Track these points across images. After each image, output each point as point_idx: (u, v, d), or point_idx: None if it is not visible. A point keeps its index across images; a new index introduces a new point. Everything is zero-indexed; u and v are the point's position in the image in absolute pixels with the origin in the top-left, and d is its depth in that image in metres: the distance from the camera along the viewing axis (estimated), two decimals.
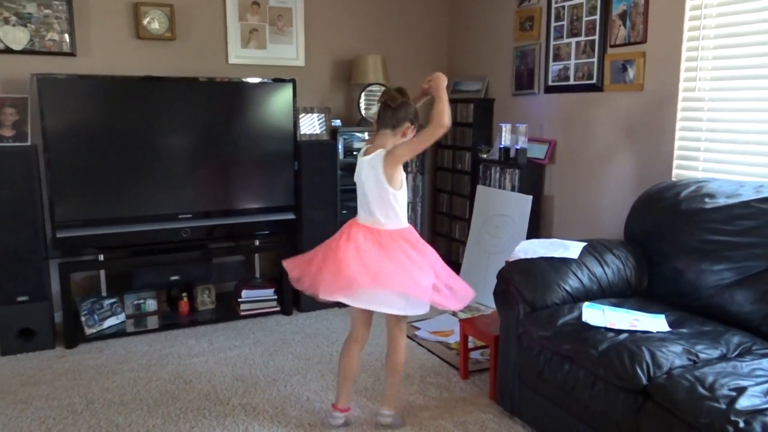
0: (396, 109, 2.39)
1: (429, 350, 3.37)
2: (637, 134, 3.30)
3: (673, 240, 2.68)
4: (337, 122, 4.24)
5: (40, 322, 3.34)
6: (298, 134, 3.97)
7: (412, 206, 4.36)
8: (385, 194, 2.37)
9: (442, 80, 2.39)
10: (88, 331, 3.53)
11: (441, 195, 4.73)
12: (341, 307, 4.06)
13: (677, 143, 3.10)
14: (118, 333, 3.58)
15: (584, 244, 2.80)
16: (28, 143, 3.29)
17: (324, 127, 4.10)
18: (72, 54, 3.59)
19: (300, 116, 4.01)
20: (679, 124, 3.08)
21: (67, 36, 3.55)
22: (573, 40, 3.63)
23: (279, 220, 3.92)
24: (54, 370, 3.12)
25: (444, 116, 2.33)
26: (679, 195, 2.74)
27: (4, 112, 3.28)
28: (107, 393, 2.88)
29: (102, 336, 3.53)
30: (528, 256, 2.71)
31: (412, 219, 4.35)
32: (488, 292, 3.56)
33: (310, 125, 4.07)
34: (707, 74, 2.94)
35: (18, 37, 3.46)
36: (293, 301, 4.01)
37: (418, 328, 3.66)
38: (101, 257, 3.55)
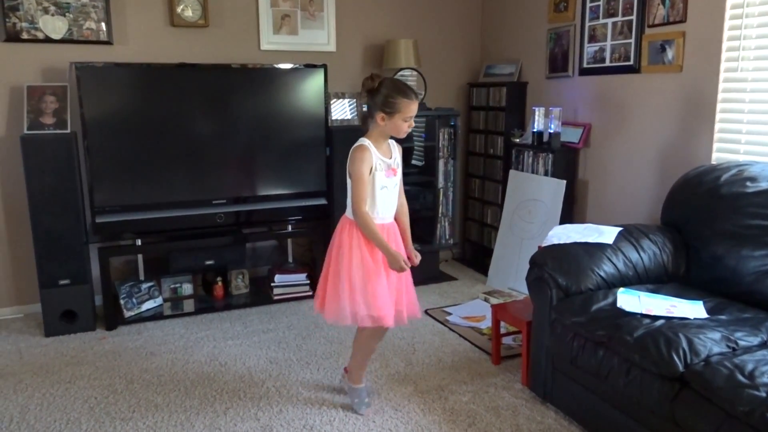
0: (367, 97, 2.41)
1: (461, 335, 3.36)
2: (675, 117, 3.22)
3: (712, 225, 2.61)
4: None
5: (81, 304, 3.44)
6: (330, 120, 3.98)
7: (443, 191, 4.33)
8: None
9: (398, 264, 2.37)
10: (127, 313, 3.62)
11: (473, 180, 4.70)
12: None
13: (717, 126, 3.01)
14: (156, 316, 3.67)
15: (620, 229, 2.75)
16: (68, 130, 3.38)
17: (355, 113, 4.10)
18: (109, 42, 3.66)
19: (331, 102, 4.02)
20: (719, 106, 2.99)
21: (103, 25, 3.62)
22: (609, 21, 3.54)
23: (311, 206, 3.95)
24: (95, 351, 3.22)
25: (360, 222, 2.37)
26: (719, 179, 2.66)
27: (44, 101, 3.36)
28: (146, 374, 2.96)
29: (140, 319, 3.62)
30: (561, 242, 2.67)
31: (443, 204, 4.34)
32: (521, 278, 3.53)
33: (342, 111, 4.07)
34: (750, 54, 2.84)
35: (57, 26, 3.54)
36: None
37: (450, 314, 3.66)
38: (139, 242, 3.63)
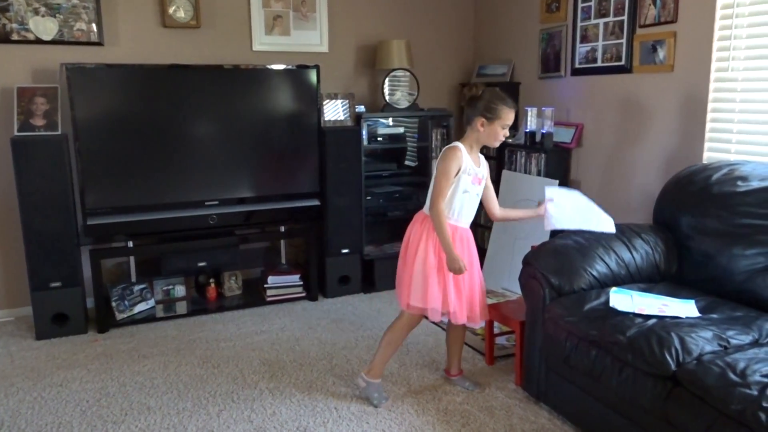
0: (467, 106, 2.58)
1: None
2: (666, 116, 3.23)
3: (703, 224, 2.62)
4: (361, 108, 4.22)
5: (72, 307, 3.42)
6: (323, 121, 3.97)
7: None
8: None
9: (456, 266, 2.49)
10: (119, 316, 3.60)
11: None
12: (366, 293, 4.08)
13: (709, 125, 3.02)
14: (148, 318, 3.65)
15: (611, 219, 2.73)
16: (59, 132, 3.36)
17: (348, 114, 4.09)
18: (100, 43, 3.64)
19: (324, 102, 4.01)
20: (710, 106, 3.00)
21: (94, 26, 3.60)
22: (601, 21, 3.55)
23: (304, 207, 3.94)
24: (87, 354, 3.20)
25: (434, 217, 2.50)
26: (711, 178, 2.67)
27: (35, 102, 3.34)
28: (138, 376, 2.94)
29: (132, 321, 3.61)
30: (560, 225, 2.64)
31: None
32: (514, 278, 3.54)
33: (334, 111, 4.07)
34: (741, 54, 2.86)
35: (47, 27, 3.52)
36: (319, 287, 4.04)
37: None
38: (131, 244, 3.62)
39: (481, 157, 2.65)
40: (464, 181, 2.52)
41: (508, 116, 2.51)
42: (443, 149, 2.55)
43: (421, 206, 2.67)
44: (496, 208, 2.72)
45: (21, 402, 2.71)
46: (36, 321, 3.37)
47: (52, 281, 3.35)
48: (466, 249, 2.60)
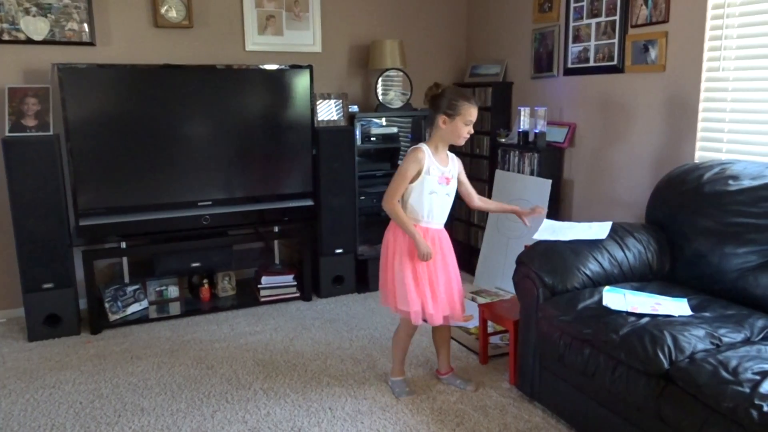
0: (429, 104, 2.56)
1: None
2: (658, 116, 3.25)
3: (695, 223, 2.64)
4: (355, 108, 4.23)
5: (65, 308, 3.40)
6: (316, 121, 3.97)
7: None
8: None
9: (425, 254, 2.53)
10: (112, 317, 3.59)
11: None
12: (360, 293, 4.08)
13: (700, 125, 3.04)
14: (141, 319, 3.64)
15: (611, 222, 2.77)
16: (51, 133, 3.34)
17: (341, 113, 4.09)
18: (91, 43, 3.62)
19: (317, 102, 4.01)
20: (702, 105, 3.02)
21: (86, 26, 3.58)
22: (593, 21, 3.57)
23: (298, 207, 3.93)
24: (80, 356, 3.18)
25: (389, 212, 2.55)
26: (702, 177, 2.69)
27: (26, 102, 3.32)
28: (132, 377, 2.93)
29: (125, 322, 3.59)
30: (553, 238, 2.67)
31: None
32: (507, 277, 3.55)
33: (328, 111, 4.06)
34: (731, 53, 2.88)
35: (39, 27, 3.50)
36: (313, 287, 4.04)
37: None
38: (124, 245, 3.60)
39: (451, 155, 2.65)
40: (429, 182, 2.53)
41: (470, 112, 2.49)
42: (409, 149, 2.57)
43: None
44: (474, 201, 2.77)
45: (13, 404, 2.69)
46: (28, 322, 3.35)
47: (45, 282, 3.34)
48: (439, 249, 2.62)
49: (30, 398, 2.74)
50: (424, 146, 2.54)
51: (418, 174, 2.52)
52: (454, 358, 3.09)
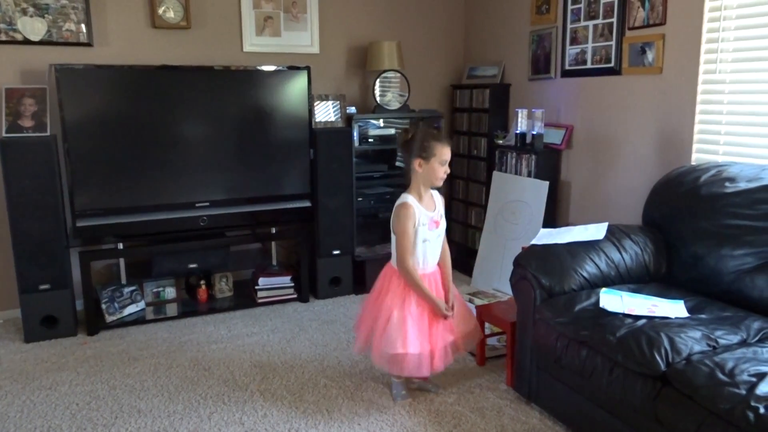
0: (402, 150, 2.58)
1: None
2: (655, 118, 3.26)
3: (692, 225, 2.65)
4: (352, 109, 4.23)
5: (62, 309, 3.39)
6: (314, 122, 3.97)
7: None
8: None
9: (441, 313, 2.56)
10: (109, 318, 3.58)
11: (456, 181, 4.71)
12: (357, 294, 4.08)
13: (697, 127, 3.05)
14: (138, 320, 3.63)
15: (606, 224, 2.78)
16: (48, 133, 3.33)
17: (339, 115, 4.09)
18: (89, 44, 3.62)
19: (315, 104, 4.01)
20: (699, 108, 3.03)
21: (83, 26, 3.58)
22: (590, 23, 3.57)
23: (295, 208, 3.93)
24: (76, 357, 3.18)
25: (405, 275, 2.54)
26: (699, 179, 2.70)
27: (23, 103, 3.32)
28: (129, 379, 2.92)
29: (122, 323, 3.59)
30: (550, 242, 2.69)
31: None
32: (505, 279, 3.55)
33: (325, 113, 4.07)
34: (728, 56, 2.89)
35: (36, 27, 3.49)
36: (310, 288, 4.04)
37: None
38: (121, 246, 3.59)
39: (435, 194, 2.66)
40: (421, 233, 2.54)
41: (443, 152, 2.50)
42: (395, 207, 2.56)
43: None
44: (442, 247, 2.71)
45: (9, 405, 2.69)
46: (25, 323, 3.34)
47: (41, 283, 3.33)
48: (437, 290, 2.63)
49: (26, 400, 2.74)
50: (409, 198, 2.53)
51: (413, 227, 2.52)
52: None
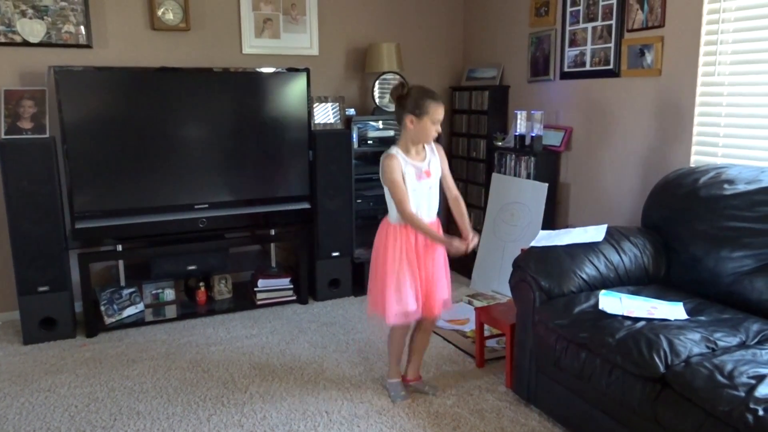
0: (396, 105, 2.55)
1: (445, 339, 3.37)
2: (654, 120, 3.26)
3: (691, 227, 2.65)
4: (352, 111, 4.23)
5: (60, 311, 3.39)
6: (313, 124, 3.97)
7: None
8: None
9: (453, 246, 2.52)
10: (108, 320, 3.58)
11: (456, 183, 4.69)
12: (356, 296, 4.07)
13: (696, 129, 3.05)
14: (137, 322, 3.63)
15: (605, 226, 2.79)
16: (47, 135, 3.33)
17: (338, 117, 4.10)
18: (88, 46, 3.62)
19: (314, 105, 4.01)
20: (697, 110, 3.03)
21: (83, 28, 3.58)
22: (589, 25, 3.58)
23: (294, 210, 3.93)
24: (75, 359, 3.17)
25: (408, 221, 2.54)
26: (698, 181, 2.70)
27: (22, 105, 3.31)
28: (128, 381, 2.92)
29: (121, 325, 3.58)
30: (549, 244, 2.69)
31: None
32: (504, 281, 3.56)
33: (325, 114, 4.07)
34: (727, 58, 2.89)
35: (35, 29, 3.49)
36: (309, 290, 4.04)
37: None
38: (120, 247, 3.59)
39: (432, 146, 2.62)
40: (410, 183, 2.53)
41: (437, 111, 2.49)
42: (381, 159, 2.55)
43: None
44: (450, 197, 2.72)
45: (8, 408, 2.68)
46: (23, 325, 3.34)
47: (40, 285, 3.32)
48: (427, 247, 2.62)
49: (25, 402, 2.73)
50: (394, 150, 2.54)
51: (401, 177, 2.52)
52: (451, 362, 3.09)
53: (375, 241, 2.68)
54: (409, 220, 2.53)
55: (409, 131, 2.52)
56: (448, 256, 2.59)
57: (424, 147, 2.60)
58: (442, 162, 2.65)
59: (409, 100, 2.49)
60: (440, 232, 2.65)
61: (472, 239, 2.54)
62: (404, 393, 2.74)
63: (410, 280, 2.55)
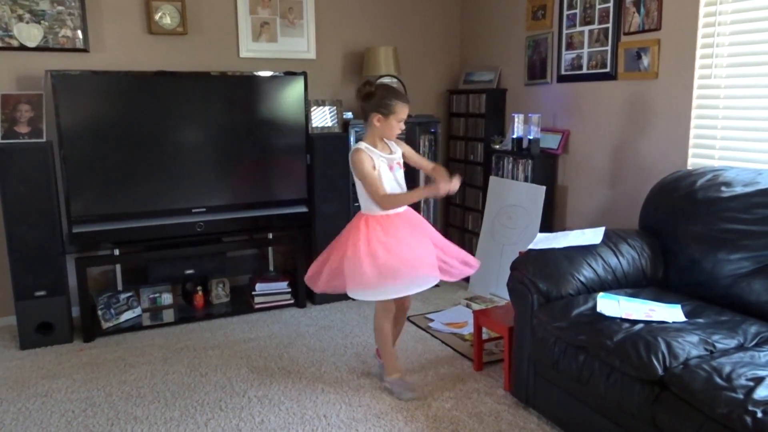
0: (363, 102, 2.65)
1: (443, 342, 3.37)
2: (651, 123, 3.27)
3: (689, 229, 2.65)
4: (349, 114, 4.23)
5: (57, 316, 3.38)
6: (310, 127, 3.97)
7: (424, 198, 4.35)
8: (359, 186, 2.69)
9: (437, 189, 2.57)
10: (105, 324, 3.57)
11: None
12: (355, 300, 4.06)
13: (693, 132, 3.06)
14: (135, 326, 3.62)
15: (603, 228, 2.79)
16: (44, 139, 3.33)
17: (336, 120, 4.10)
18: (85, 50, 3.62)
19: (312, 109, 4.01)
20: (694, 112, 3.04)
21: (80, 32, 3.58)
22: (586, 29, 3.59)
23: (292, 213, 3.93)
24: (72, 364, 3.16)
25: (387, 204, 2.62)
26: (695, 184, 2.71)
27: (19, 109, 3.31)
28: (125, 386, 2.91)
29: (119, 330, 3.57)
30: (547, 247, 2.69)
31: (424, 211, 4.35)
32: (502, 283, 3.55)
33: (322, 118, 4.07)
34: (723, 61, 2.90)
35: (32, 34, 3.49)
36: (307, 293, 4.03)
37: (432, 320, 3.66)
38: (117, 252, 3.59)
39: (394, 142, 2.74)
40: (382, 173, 2.63)
41: (402, 111, 2.61)
42: (350, 155, 2.65)
43: None
44: (427, 170, 2.81)
45: (5, 413, 2.67)
46: (20, 330, 3.33)
47: (37, 290, 3.31)
48: (408, 226, 2.69)
49: (22, 407, 2.72)
50: (362, 145, 2.64)
51: (373, 168, 2.61)
52: (449, 365, 3.09)
53: (346, 229, 2.74)
54: (387, 201, 2.62)
55: (376, 129, 2.63)
56: (440, 198, 2.68)
57: (387, 144, 2.72)
58: (405, 149, 2.77)
59: (375, 98, 2.60)
60: (411, 217, 2.74)
61: (454, 179, 2.59)
62: (410, 388, 2.75)
63: (412, 247, 2.62)
